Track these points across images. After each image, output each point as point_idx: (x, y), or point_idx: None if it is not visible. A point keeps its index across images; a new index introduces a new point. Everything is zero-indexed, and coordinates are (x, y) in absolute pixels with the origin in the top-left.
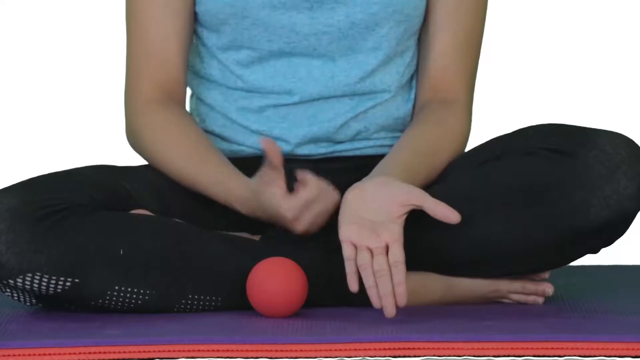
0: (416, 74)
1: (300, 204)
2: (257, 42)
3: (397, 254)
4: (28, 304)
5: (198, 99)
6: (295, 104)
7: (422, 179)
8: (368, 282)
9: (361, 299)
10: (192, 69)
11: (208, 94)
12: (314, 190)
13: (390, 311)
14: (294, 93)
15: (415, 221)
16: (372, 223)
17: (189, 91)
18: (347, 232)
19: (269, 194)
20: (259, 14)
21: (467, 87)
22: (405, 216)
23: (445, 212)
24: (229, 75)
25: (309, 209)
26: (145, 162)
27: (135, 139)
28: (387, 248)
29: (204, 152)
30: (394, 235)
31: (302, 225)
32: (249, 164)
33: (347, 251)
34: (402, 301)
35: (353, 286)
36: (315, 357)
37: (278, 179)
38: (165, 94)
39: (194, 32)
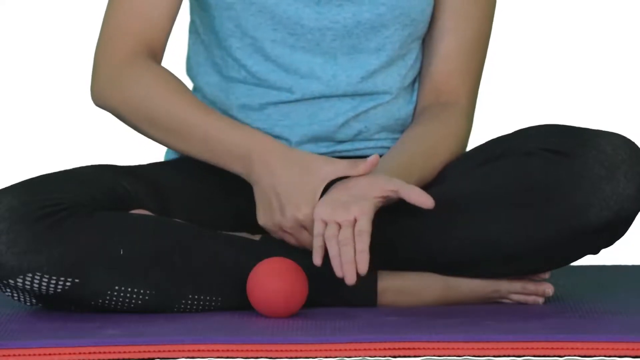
0: (419, 76)
1: (314, 221)
2: (262, 31)
3: (364, 224)
4: (28, 304)
5: (200, 93)
6: (296, 101)
7: (414, 181)
8: (332, 252)
9: (361, 299)
10: (195, 60)
11: (210, 89)
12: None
13: (350, 278)
14: (295, 90)
15: (415, 221)
16: (344, 202)
17: (190, 85)
18: (319, 211)
19: (336, 169)
20: (266, 2)
21: (469, 92)
22: (380, 200)
23: (419, 198)
24: (232, 64)
25: (302, 229)
26: (143, 162)
27: (117, 85)
28: (355, 222)
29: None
30: (363, 209)
31: (289, 221)
32: None
33: (317, 228)
34: (363, 270)
35: (317, 260)
36: (315, 357)
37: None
38: (150, 52)
39: (199, 20)
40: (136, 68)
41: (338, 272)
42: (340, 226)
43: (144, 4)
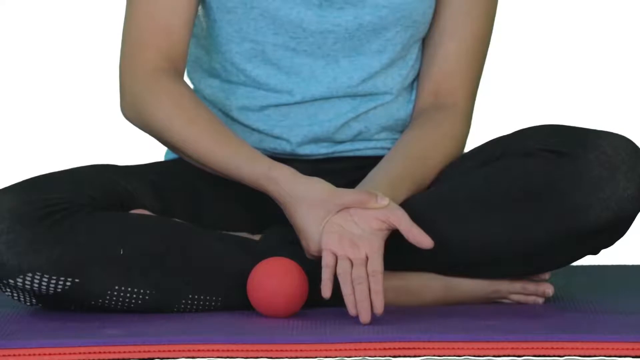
0: (417, 77)
1: (322, 250)
2: (263, 35)
3: (376, 264)
4: (28, 304)
5: (200, 94)
6: (296, 103)
7: (408, 189)
8: (346, 290)
9: None
10: (195, 63)
11: (210, 91)
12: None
13: (365, 317)
14: (295, 93)
15: (415, 222)
16: (352, 235)
17: (190, 85)
18: (328, 241)
19: (344, 202)
20: (268, 6)
21: (468, 94)
22: (385, 232)
23: (417, 237)
24: (230, 68)
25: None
26: (143, 162)
27: (140, 109)
28: (366, 260)
29: (227, 129)
30: (373, 247)
31: (312, 245)
32: None
33: (327, 259)
34: (379, 309)
35: (326, 292)
36: (315, 357)
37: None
38: (171, 65)
39: (200, 23)
40: (157, 91)
41: (352, 311)
42: (351, 262)
43: (162, 14)
